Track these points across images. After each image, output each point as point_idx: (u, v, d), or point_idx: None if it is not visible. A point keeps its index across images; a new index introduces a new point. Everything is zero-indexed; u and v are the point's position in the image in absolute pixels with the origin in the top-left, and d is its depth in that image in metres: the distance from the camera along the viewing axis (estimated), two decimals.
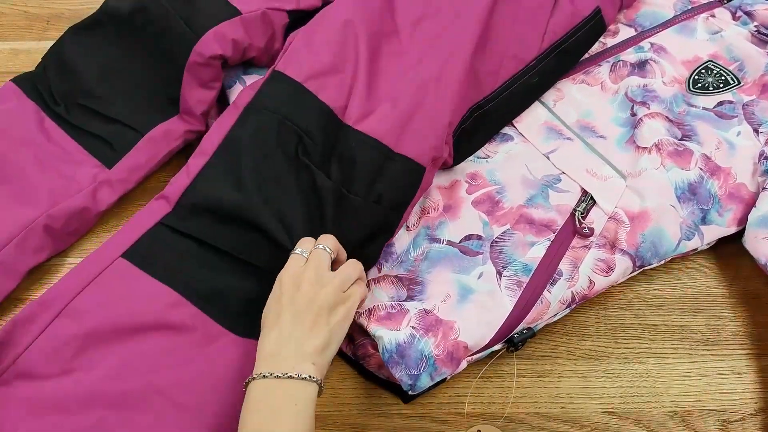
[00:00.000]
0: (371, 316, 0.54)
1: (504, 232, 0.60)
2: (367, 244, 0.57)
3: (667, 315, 0.61)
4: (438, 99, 0.59)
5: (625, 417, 0.56)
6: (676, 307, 0.61)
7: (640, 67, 0.69)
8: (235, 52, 0.64)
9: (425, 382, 0.52)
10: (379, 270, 0.60)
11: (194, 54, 0.63)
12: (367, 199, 0.56)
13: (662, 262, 0.60)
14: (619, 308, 0.60)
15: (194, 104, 0.64)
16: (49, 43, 0.69)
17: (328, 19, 0.64)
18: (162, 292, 0.55)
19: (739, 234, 0.60)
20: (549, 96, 0.69)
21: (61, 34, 0.68)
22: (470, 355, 0.55)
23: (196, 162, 0.59)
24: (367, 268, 0.57)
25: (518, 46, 0.65)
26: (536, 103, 0.68)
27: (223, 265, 0.56)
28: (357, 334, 0.56)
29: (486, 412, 0.56)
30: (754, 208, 0.60)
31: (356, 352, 0.56)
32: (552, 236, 0.59)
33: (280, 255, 0.52)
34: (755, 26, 0.71)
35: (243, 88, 0.62)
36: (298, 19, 0.67)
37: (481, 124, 0.64)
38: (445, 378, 0.55)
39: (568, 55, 0.68)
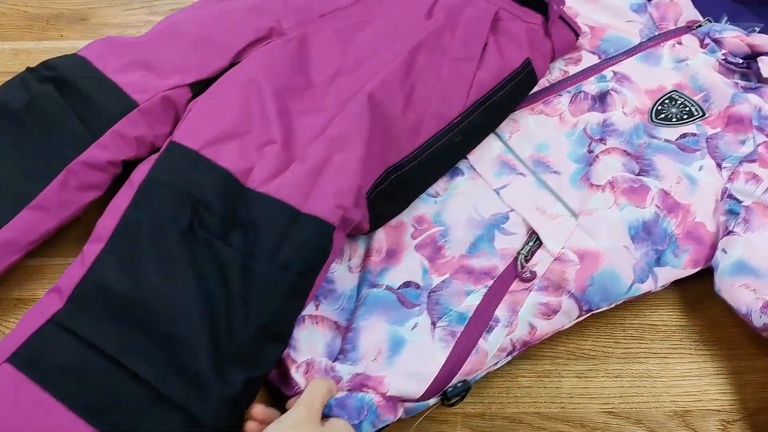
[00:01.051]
0: (307, 374, 0.52)
1: (442, 282, 0.57)
2: (278, 320, 0.51)
3: (667, 315, 0.61)
4: (347, 158, 0.55)
5: (625, 417, 0.56)
6: (676, 307, 0.61)
7: (601, 100, 0.66)
8: (141, 149, 0.59)
9: (367, 430, 0.50)
10: (317, 307, 0.57)
11: (88, 157, 0.57)
12: (273, 266, 0.51)
13: (611, 306, 0.57)
14: (619, 308, 0.60)
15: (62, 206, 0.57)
16: (49, 43, 0.69)
17: (230, 79, 0.60)
18: (47, 403, 0.47)
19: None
20: (505, 128, 0.66)
21: (61, 33, 0.68)
22: (405, 402, 0.52)
23: (90, 249, 0.53)
24: (281, 350, 0.52)
25: (441, 103, 0.61)
26: (491, 135, 0.65)
27: (111, 373, 0.48)
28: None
29: (486, 412, 0.56)
30: (723, 253, 0.57)
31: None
32: (490, 282, 0.56)
33: (170, 362, 0.47)
34: (723, 55, 0.67)
35: (140, 164, 0.57)
36: (203, 89, 0.61)
37: (399, 187, 0.59)
38: (388, 424, 0.52)
39: (495, 111, 0.64)
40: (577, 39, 0.69)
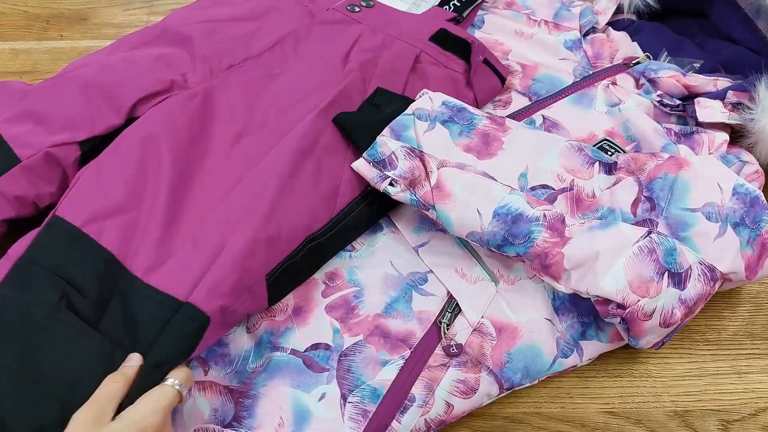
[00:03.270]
0: None
1: (355, 344, 0.52)
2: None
3: None
4: (238, 244, 0.49)
5: (625, 417, 0.56)
6: None
7: None
8: (23, 208, 0.54)
9: None
10: (206, 372, 0.52)
11: None
12: (145, 362, 0.45)
13: (534, 382, 0.54)
14: None
15: None
16: (49, 43, 0.69)
17: (124, 142, 0.55)
18: None
19: None
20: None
21: (61, 33, 0.68)
22: None
23: None
24: None
25: None
26: None
27: None
28: None
29: (486, 411, 0.56)
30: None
31: None
32: (407, 353, 0.52)
33: None
34: (658, 96, 0.64)
35: (21, 238, 0.51)
36: (97, 146, 0.56)
37: (313, 256, 0.54)
38: None
39: None
40: (504, 84, 0.66)
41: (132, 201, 0.52)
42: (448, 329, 0.53)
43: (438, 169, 0.54)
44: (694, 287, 0.51)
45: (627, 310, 0.49)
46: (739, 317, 0.61)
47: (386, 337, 0.53)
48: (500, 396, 0.54)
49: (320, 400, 0.50)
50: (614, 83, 0.65)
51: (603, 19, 0.71)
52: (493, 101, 0.66)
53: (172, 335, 0.46)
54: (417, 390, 0.51)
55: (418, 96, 0.60)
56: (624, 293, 0.49)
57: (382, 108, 0.59)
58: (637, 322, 0.50)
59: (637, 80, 0.66)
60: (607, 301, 0.50)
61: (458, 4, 0.71)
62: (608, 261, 0.50)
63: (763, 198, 0.54)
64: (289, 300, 0.55)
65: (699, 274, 0.51)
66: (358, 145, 0.57)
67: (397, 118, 0.57)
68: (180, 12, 0.69)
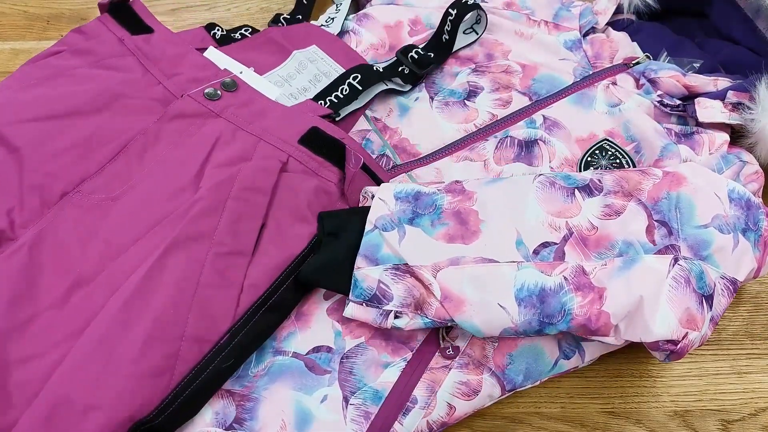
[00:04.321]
0: None
1: (357, 346, 0.52)
2: None
3: None
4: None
5: (625, 417, 0.56)
6: None
7: (528, 148, 0.61)
8: None
9: None
10: None
11: None
12: None
13: (536, 383, 0.54)
14: None
15: None
16: (49, 43, 0.69)
17: None
18: None
19: None
20: (426, 177, 0.61)
21: (61, 33, 0.68)
22: None
23: None
24: None
25: (201, 322, 0.47)
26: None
27: None
28: None
29: (486, 411, 0.56)
30: None
31: None
32: (409, 355, 0.52)
33: None
34: (659, 96, 0.63)
35: None
36: None
37: None
38: None
39: (279, 310, 0.51)
40: None
41: None
42: (447, 333, 0.52)
43: (436, 278, 0.50)
44: (719, 303, 0.51)
45: (679, 345, 0.49)
46: (739, 317, 0.61)
47: (388, 339, 0.53)
48: (502, 397, 0.54)
49: (322, 402, 0.50)
50: (614, 83, 0.65)
51: (603, 20, 0.70)
52: (493, 100, 0.66)
53: None
54: (419, 392, 0.51)
55: (361, 197, 0.56)
56: (677, 332, 0.49)
57: (340, 235, 0.53)
58: (685, 353, 0.50)
59: (637, 80, 0.65)
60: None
61: (335, 101, 0.62)
62: (652, 303, 0.49)
63: (753, 197, 0.55)
64: None
65: (722, 289, 0.51)
66: (339, 290, 0.52)
67: (363, 240, 0.52)
68: (2, 92, 0.57)
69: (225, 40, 0.67)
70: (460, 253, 0.51)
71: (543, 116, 0.63)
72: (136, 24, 0.63)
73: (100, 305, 0.47)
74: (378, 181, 0.57)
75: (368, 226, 0.52)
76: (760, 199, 0.56)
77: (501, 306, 0.49)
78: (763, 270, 0.55)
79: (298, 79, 0.64)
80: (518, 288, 0.50)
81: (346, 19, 0.72)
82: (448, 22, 0.67)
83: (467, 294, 0.50)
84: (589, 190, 0.55)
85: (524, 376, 0.53)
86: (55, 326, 0.47)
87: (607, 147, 0.62)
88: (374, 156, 0.62)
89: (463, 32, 0.70)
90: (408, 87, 0.66)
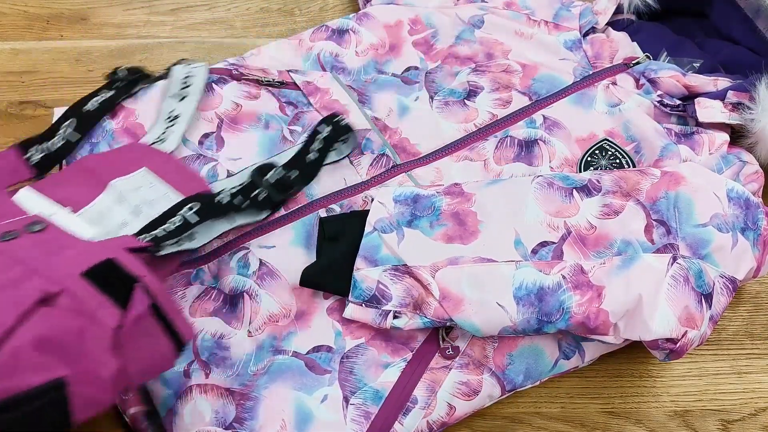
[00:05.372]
0: None
1: (357, 346, 0.52)
2: None
3: None
4: None
5: (625, 417, 0.56)
6: None
7: (528, 148, 0.61)
8: None
9: None
10: (207, 375, 0.51)
11: None
12: None
13: (536, 383, 0.54)
14: None
15: None
16: (49, 43, 0.69)
17: None
18: None
19: None
20: (426, 177, 0.60)
21: (61, 33, 0.68)
22: None
23: None
24: None
25: None
26: (409, 179, 0.59)
27: None
28: None
29: (486, 411, 0.56)
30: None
31: None
32: (409, 356, 0.51)
33: None
34: (658, 96, 0.63)
35: None
36: None
37: None
38: None
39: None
40: (180, 351, 0.43)
41: None
42: (447, 334, 0.52)
43: (434, 277, 0.50)
44: (719, 301, 0.51)
45: (678, 344, 0.49)
46: (739, 317, 0.61)
47: (388, 340, 0.53)
48: (502, 397, 0.54)
49: (322, 402, 0.50)
50: (614, 83, 0.65)
51: (603, 20, 0.70)
52: (493, 99, 0.65)
53: None
54: (419, 392, 0.51)
55: (361, 200, 0.57)
56: (677, 330, 0.49)
57: (339, 238, 0.53)
58: (685, 352, 0.50)
59: (637, 80, 0.65)
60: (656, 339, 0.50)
61: (159, 235, 0.50)
62: (651, 302, 0.49)
63: (752, 196, 0.55)
64: (292, 304, 0.54)
65: (721, 288, 0.52)
66: (339, 292, 0.52)
67: (363, 242, 0.52)
68: None
69: (43, 165, 0.58)
70: (459, 253, 0.52)
71: (543, 116, 0.63)
72: None
73: None
74: (174, 335, 0.43)
75: (367, 228, 0.53)
76: (760, 199, 0.56)
77: (500, 305, 0.49)
78: (762, 269, 0.55)
79: (115, 212, 0.53)
80: (517, 287, 0.50)
81: (346, 18, 0.71)
82: (320, 140, 0.60)
83: (466, 293, 0.50)
84: (587, 190, 0.55)
85: (524, 376, 0.53)
86: None
87: (607, 147, 0.62)
88: (374, 155, 0.62)
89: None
90: (263, 215, 0.56)
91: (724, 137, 0.61)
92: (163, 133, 0.60)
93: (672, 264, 0.51)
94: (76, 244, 0.46)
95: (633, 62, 0.67)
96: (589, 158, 0.61)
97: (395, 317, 0.51)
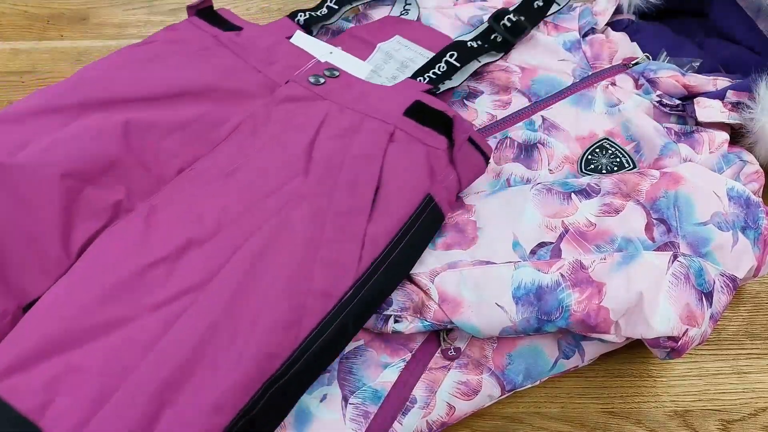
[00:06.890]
0: None
1: (356, 348, 0.52)
2: None
3: None
4: (181, 413, 0.41)
5: (625, 417, 0.56)
6: None
7: (527, 151, 0.61)
8: None
9: None
10: None
11: None
12: None
13: (536, 383, 0.54)
14: None
15: None
16: (49, 43, 0.69)
17: (56, 290, 0.46)
18: None
19: None
20: None
21: (61, 33, 0.68)
22: None
23: None
24: None
25: (326, 277, 0.47)
26: None
27: None
28: None
29: (486, 411, 0.56)
30: None
31: None
32: (408, 356, 0.51)
33: None
34: (658, 96, 0.63)
35: None
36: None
37: (275, 405, 0.44)
38: None
39: (397, 269, 0.50)
40: (488, 163, 0.57)
41: (57, 345, 0.44)
42: (447, 335, 0.52)
43: (433, 282, 0.51)
44: (719, 300, 0.51)
45: (679, 342, 0.49)
46: (739, 317, 0.61)
47: (387, 341, 0.53)
48: (502, 397, 0.54)
49: (321, 401, 0.50)
50: (613, 84, 0.65)
51: (602, 20, 0.71)
52: (493, 101, 0.66)
53: None
54: (418, 391, 0.51)
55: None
56: (678, 328, 0.49)
57: None
58: (686, 351, 0.50)
59: (636, 80, 0.65)
60: (657, 337, 0.50)
61: (433, 77, 0.63)
62: (652, 299, 0.49)
63: (753, 195, 0.55)
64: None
65: (722, 286, 0.51)
66: None
67: None
68: (106, 73, 0.58)
69: (309, 23, 0.68)
70: (458, 258, 0.52)
71: (542, 117, 0.63)
72: (224, 23, 0.66)
73: (218, 263, 0.47)
74: (482, 153, 0.57)
75: None
76: (760, 198, 0.56)
77: (499, 305, 0.49)
78: (763, 269, 0.55)
79: (386, 69, 0.66)
80: (515, 287, 0.50)
81: (345, 20, 0.72)
82: None
83: (464, 295, 0.50)
84: (586, 193, 0.55)
85: (524, 376, 0.53)
86: (166, 281, 0.47)
87: (608, 146, 0.62)
88: None
89: None
90: (500, 56, 0.67)
91: (724, 136, 0.61)
92: (405, 10, 0.73)
93: (672, 262, 0.50)
94: (374, 90, 0.60)
95: (632, 63, 0.67)
96: (589, 156, 0.61)
97: (396, 321, 0.51)
